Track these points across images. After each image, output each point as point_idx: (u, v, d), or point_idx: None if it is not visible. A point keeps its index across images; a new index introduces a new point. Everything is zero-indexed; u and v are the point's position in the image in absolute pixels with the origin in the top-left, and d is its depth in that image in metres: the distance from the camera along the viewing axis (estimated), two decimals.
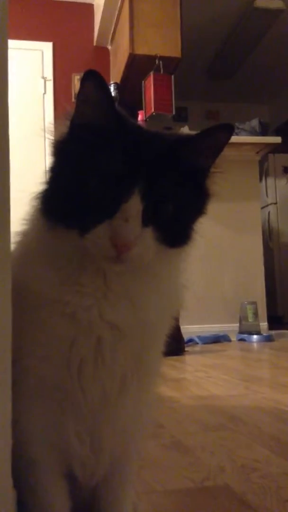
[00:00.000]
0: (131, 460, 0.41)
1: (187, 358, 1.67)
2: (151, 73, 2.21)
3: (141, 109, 2.28)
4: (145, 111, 2.26)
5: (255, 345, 2.05)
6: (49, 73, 2.61)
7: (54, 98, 2.57)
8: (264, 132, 2.45)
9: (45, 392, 0.34)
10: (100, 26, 2.59)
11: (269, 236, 3.08)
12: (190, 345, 1.97)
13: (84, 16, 2.70)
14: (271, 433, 0.73)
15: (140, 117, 2.26)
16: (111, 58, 2.70)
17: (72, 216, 0.33)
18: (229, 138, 0.36)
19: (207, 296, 2.18)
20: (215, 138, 0.36)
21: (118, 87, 2.41)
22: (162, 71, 2.21)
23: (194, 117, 3.52)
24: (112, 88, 2.34)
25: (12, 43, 2.25)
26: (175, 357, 1.60)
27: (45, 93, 2.58)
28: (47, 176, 0.36)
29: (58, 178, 0.35)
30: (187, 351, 1.78)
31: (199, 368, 1.42)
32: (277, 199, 3.16)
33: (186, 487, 0.51)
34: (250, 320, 2.21)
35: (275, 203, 3.16)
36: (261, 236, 2.41)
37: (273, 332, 2.28)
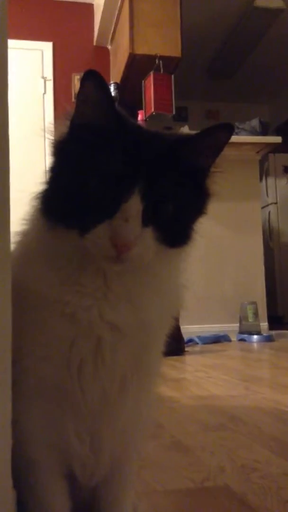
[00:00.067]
0: (131, 460, 0.41)
1: (187, 358, 1.67)
2: (151, 73, 2.21)
3: (141, 109, 2.28)
4: (145, 111, 2.26)
5: (255, 345, 2.05)
6: (49, 73, 2.61)
7: (54, 98, 2.57)
8: (264, 131, 2.45)
9: (45, 392, 0.34)
10: (100, 26, 2.59)
11: (269, 236, 3.07)
12: (190, 345, 1.97)
13: (84, 16, 2.70)
14: (271, 434, 0.73)
15: (140, 117, 2.26)
16: (111, 58, 2.70)
17: (72, 216, 0.33)
18: (229, 138, 0.36)
19: (207, 296, 2.18)
20: (215, 138, 0.36)
21: (118, 87, 2.41)
22: (162, 70, 2.21)
23: (194, 117, 3.52)
24: (112, 88, 2.34)
25: (12, 43, 2.25)
26: (175, 357, 1.59)
27: (45, 93, 2.58)
28: (47, 176, 0.36)
29: (58, 178, 0.35)
30: (187, 351, 1.78)
31: (199, 368, 1.42)
32: (278, 199, 3.16)
33: (186, 487, 0.51)
34: (250, 320, 2.21)
35: (276, 203, 3.15)
36: (261, 236, 2.40)
37: (273, 332, 2.28)
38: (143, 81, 2.28)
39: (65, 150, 0.35)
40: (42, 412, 0.35)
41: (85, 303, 0.34)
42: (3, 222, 0.30)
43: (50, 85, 2.59)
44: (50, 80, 2.59)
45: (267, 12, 2.68)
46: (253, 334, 2.15)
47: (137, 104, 2.27)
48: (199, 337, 2.09)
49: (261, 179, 2.84)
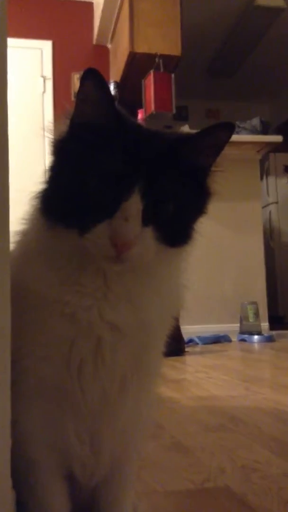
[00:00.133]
0: (131, 461, 0.41)
1: (187, 358, 1.67)
2: (151, 72, 2.20)
3: (141, 108, 2.27)
4: (145, 110, 2.26)
5: (255, 345, 2.04)
6: (48, 72, 2.60)
7: (53, 97, 2.56)
8: (265, 131, 2.44)
9: (44, 392, 0.34)
10: (99, 25, 2.59)
11: (270, 235, 3.07)
12: (190, 345, 1.97)
13: (83, 15, 2.69)
14: (272, 434, 0.73)
15: (140, 116, 2.25)
16: (111, 56, 2.70)
17: (72, 215, 0.33)
18: (229, 137, 0.36)
19: (208, 296, 2.18)
20: (216, 137, 0.36)
21: (118, 86, 2.40)
22: (162, 69, 2.20)
23: (195, 116, 3.51)
24: (111, 87, 2.34)
25: (11, 42, 2.22)
26: (175, 358, 1.59)
27: (44, 92, 2.57)
28: (47, 175, 0.35)
29: (58, 177, 0.35)
30: (187, 351, 1.77)
31: (200, 369, 1.42)
32: (278, 199, 3.16)
33: (186, 488, 0.51)
34: (250, 320, 2.21)
35: (276, 203, 3.15)
36: (262, 236, 2.40)
37: (274, 332, 2.27)
38: (143, 80, 2.27)
39: (64, 149, 0.35)
40: (42, 412, 0.35)
41: (85, 303, 0.34)
42: (3, 222, 0.30)
43: (49, 84, 2.58)
44: (49, 79, 2.59)
45: (267, 11, 2.68)
46: (254, 334, 2.15)
47: (137, 103, 2.27)
48: (199, 337, 2.08)
49: (261, 178, 2.83)
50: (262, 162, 2.75)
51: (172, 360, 1.52)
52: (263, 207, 2.68)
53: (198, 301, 2.04)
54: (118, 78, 2.46)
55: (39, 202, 0.35)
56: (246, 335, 2.18)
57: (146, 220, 0.32)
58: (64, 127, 0.35)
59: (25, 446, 0.35)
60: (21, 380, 0.34)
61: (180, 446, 0.67)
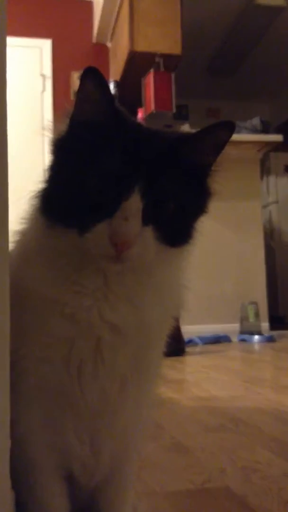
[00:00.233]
0: (131, 461, 0.41)
1: (188, 358, 1.67)
2: (151, 71, 2.19)
3: (141, 107, 2.27)
4: (145, 109, 2.25)
5: (256, 345, 2.04)
6: (48, 70, 2.59)
7: (53, 96, 2.56)
8: (265, 130, 2.44)
9: (44, 393, 0.34)
10: (99, 23, 2.58)
11: (270, 235, 3.07)
12: (190, 345, 1.97)
13: (83, 13, 2.68)
14: (272, 434, 0.73)
15: (140, 115, 2.25)
16: (111, 55, 2.69)
17: (72, 215, 0.32)
18: (230, 136, 0.36)
19: (208, 296, 2.18)
20: (216, 136, 0.35)
21: (117, 84, 2.39)
22: (162, 68, 2.20)
23: (195, 115, 3.51)
24: (111, 86, 2.33)
25: (11, 40, 2.22)
26: (175, 358, 1.59)
27: (43, 90, 2.57)
28: (46, 175, 0.35)
29: (57, 176, 0.35)
30: (188, 351, 1.77)
31: (200, 369, 1.42)
32: (279, 198, 3.16)
33: (186, 489, 0.51)
34: (251, 320, 2.20)
35: (277, 202, 3.15)
36: (262, 236, 2.39)
37: (274, 332, 2.27)
38: (143, 79, 2.27)
39: (64, 148, 0.35)
40: (42, 412, 0.35)
41: (85, 303, 0.33)
42: (2, 221, 0.30)
43: (49, 82, 2.57)
44: (49, 77, 2.58)
45: (268, 10, 2.67)
46: (254, 335, 2.15)
47: (137, 102, 2.26)
48: (199, 337, 2.08)
49: (262, 178, 2.82)
50: (263, 161, 2.74)
51: (172, 360, 1.52)
52: (263, 207, 2.67)
53: (198, 301, 2.04)
54: (118, 77, 2.45)
55: (39, 202, 0.35)
56: (246, 335, 2.17)
57: (146, 220, 0.32)
58: (64, 126, 0.35)
59: (25, 446, 0.35)
60: (21, 381, 0.34)
61: (180, 446, 0.67)
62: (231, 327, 2.23)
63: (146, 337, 0.35)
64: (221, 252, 2.28)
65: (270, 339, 2.13)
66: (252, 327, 2.20)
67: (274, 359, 1.76)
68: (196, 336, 2.08)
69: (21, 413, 0.34)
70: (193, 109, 3.58)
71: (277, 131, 3.00)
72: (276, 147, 2.49)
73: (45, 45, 2.60)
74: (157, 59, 2.18)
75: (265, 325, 2.29)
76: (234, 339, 2.19)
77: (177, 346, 1.64)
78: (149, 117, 2.20)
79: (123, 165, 0.32)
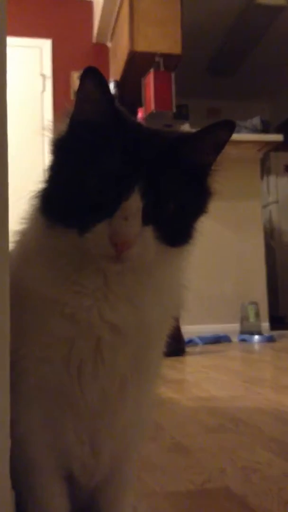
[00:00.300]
0: (131, 461, 0.41)
1: (188, 358, 1.67)
2: (151, 71, 2.19)
3: (141, 106, 2.27)
4: (145, 109, 2.25)
5: (256, 345, 2.04)
6: (47, 70, 2.59)
7: (53, 95, 2.56)
8: (265, 130, 2.44)
9: (44, 393, 0.34)
10: (99, 23, 2.58)
11: (270, 235, 3.07)
12: (190, 345, 1.97)
13: (83, 13, 2.68)
14: (272, 435, 0.73)
15: (140, 115, 2.25)
16: (111, 55, 2.69)
17: (72, 215, 0.32)
18: (230, 135, 0.36)
19: (208, 296, 2.18)
20: (216, 136, 0.35)
21: (117, 84, 2.39)
22: (162, 68, 2.20)
23: (195, 115, 3.50)
24: (111, 86, 2.33)
25: (11, 40, 2.21)
26: (175, 358, 1.59)
27: (43, 90, 2.57)
28: (46, 175, 0.35)
29: (57, 176, 0.35)
30: (188, 351, 1.77)
31: (200, 369, 1.42)
32: (279, 198, 3.15)
33: (186, 489, 0.51)
34: (251, 320, 2.20)
35: (277, 202, 3.15)
36: (262, 235, 2.39)
37: (274, 332, 2.27)
38: (143, 79, 2.27)
39: (64, 148, 0.35)
40: (42, 412, 0.35)
41: (85, 303, 0.33)
42: (2, 221, 0.30)
43: (49, 82, 2.57)
44: (49, 77, 2.58)
45: (268, 10, 2.67)
46: (254, 335, 2.15)
47: (137, 102, 2.26)
48: (199, 337, 2.08)
49: (262, 177, 2.82)
50: (263, 161, 2.74)
51: (172, 360, 1.52)
52: (263, 207, 2.67)
53: (198, 301, 2.04)
54: (118, 77, 2.45)
55: (39, 202, 0.35)
56: (246, 335, 2.17)
57: (146, 220, 0.32)
58: (64, 126, 0.35)
59: (25, 446, 0.35)
60: (21, 381, 0.34)
61: (180, 446, 0.67)
62: (231, 327, 2.23)
63: (146, 337, 0.35)
64: (221, 252, 2.28)
65: (270, 339, 2.13)
66: (252, 327, 2.20)
67: (274, 359, 1.76)
68: (196, 336, 2.08)
69: (21, 413, 0.34)
70: (193, 109, 3.57)
71: (277, 130, 3.00)
72: (276, 146, 2.49)
73: (45, 45, 2.60)
74: (157, 59, 2.18)
75: (265, 325, 2.28)
76: (234, 339, 2.19)
77: (177, 346, 1.64)
78: (149, 116, 2.20)
79: (123, 165, 0.32)
